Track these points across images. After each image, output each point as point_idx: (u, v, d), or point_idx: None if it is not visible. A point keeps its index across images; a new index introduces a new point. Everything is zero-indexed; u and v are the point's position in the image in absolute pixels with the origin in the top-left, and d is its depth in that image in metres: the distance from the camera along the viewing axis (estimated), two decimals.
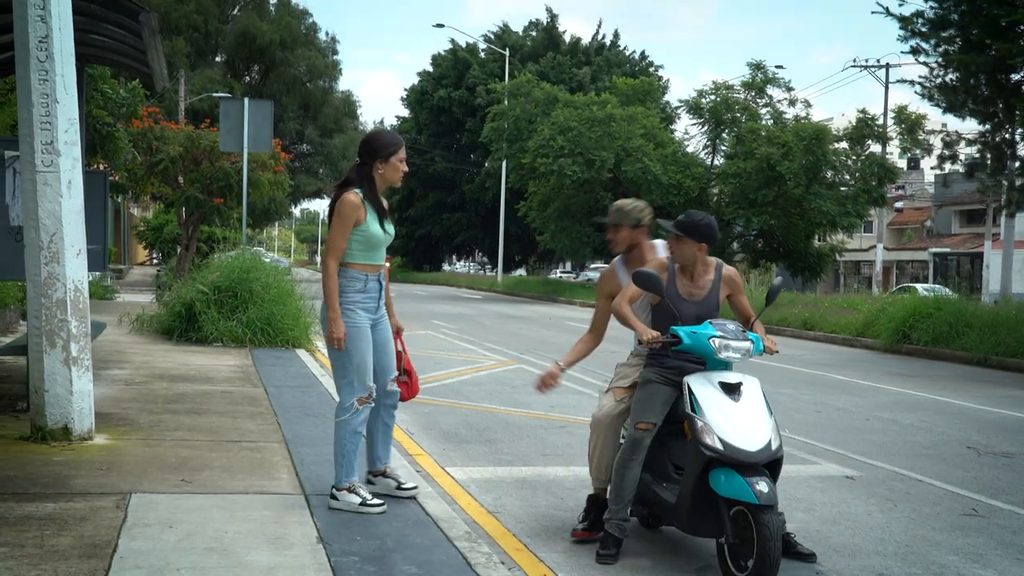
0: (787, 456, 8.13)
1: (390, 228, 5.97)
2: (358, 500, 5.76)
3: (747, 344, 5.37)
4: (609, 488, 5.62)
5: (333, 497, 5.82)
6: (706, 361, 5.40)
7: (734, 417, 5.12)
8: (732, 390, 5.24)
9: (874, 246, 48.80)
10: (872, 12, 21.03)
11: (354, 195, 5.75)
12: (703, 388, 5.26)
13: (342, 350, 5.72)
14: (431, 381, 12.16)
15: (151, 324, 15.36)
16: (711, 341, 5.31)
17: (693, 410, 5.21)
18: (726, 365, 5.40)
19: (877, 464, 8.29)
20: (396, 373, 6.12)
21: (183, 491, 5.92)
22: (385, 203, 5.97)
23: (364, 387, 5.80)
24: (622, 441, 5.81)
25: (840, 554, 5.78)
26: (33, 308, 7.02)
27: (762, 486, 4.93)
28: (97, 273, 16.79)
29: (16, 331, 13.89)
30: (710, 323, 5.42)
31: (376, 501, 5.79)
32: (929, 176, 62.02)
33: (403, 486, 6.11)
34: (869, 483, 7.60)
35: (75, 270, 7.07)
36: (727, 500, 5.04)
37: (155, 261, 47.40)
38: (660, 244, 6.08)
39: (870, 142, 36.71)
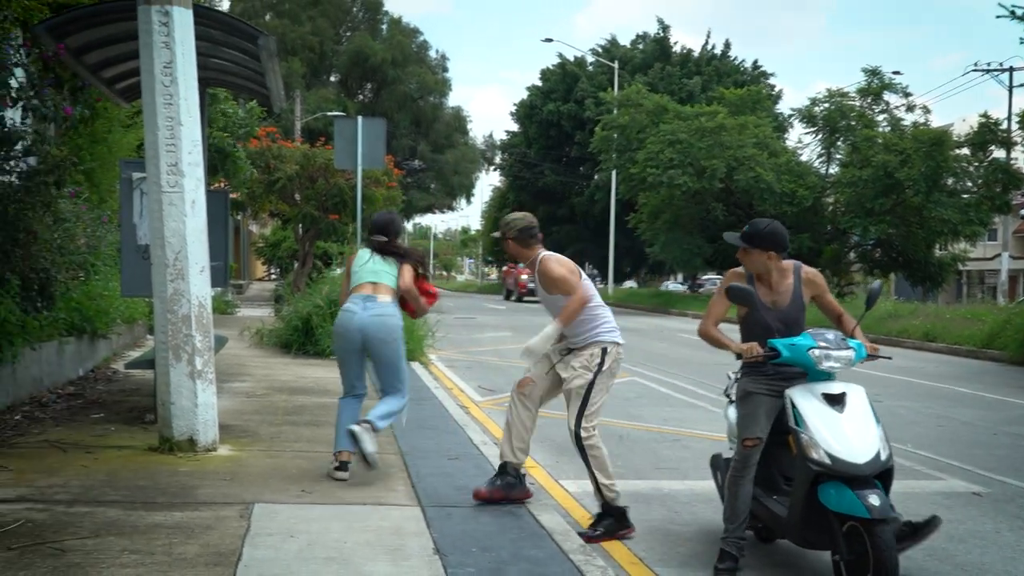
0: (910, 471, 7.96)
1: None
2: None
3: (848, 353, 5.24)
4: (723, 507, 5.55)
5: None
6: (807, 372, 5.30)
7: (840, 429, 4.99)
8: (836, 401, 5.11)
9: (999, 255, 47.12)
10: (997, 16, 20.37)
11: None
12: (806, 401, 5.15)
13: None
14: None
15: (270, 338, 15.74)
16: (810, 353, 5.20)
17: (797, 424, 5.11)
18: (828, 376, 5.27)
19: (1006, 480, 8.00)
20: None
21: (303, 501, 6.05)
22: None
23: None
24: (729, 457, 5.78)
25: (968, 573, 5.61)
26: (160, 323, 7.27)
27: (874, 499, 4.80)
28: (219, 289, 17.28)
29: (144, 345, 14.38)
30: (808, 333, 5.31)
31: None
32: None
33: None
34: (997, 500, 7.34)
35: (199, 286, 7.30)
36: (839, 515, 4.93)
37: (273, 276, 48.55)
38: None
39: (993, 147, 35.50)
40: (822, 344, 5.22)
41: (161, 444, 7.24)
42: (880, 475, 4.99)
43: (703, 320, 5.72)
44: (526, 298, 43.65)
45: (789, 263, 5.64)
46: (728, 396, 6.13)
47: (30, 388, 9.15)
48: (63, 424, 8.25)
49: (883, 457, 4.97)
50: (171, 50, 7.19)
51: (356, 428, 6.54)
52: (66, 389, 10.02)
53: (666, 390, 13.16)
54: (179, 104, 7.22)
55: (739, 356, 5.44)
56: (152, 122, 7.22)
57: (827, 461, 4.92)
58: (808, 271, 5.68)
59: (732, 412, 5.97)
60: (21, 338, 8.58)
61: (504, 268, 54.88)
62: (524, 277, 43.91)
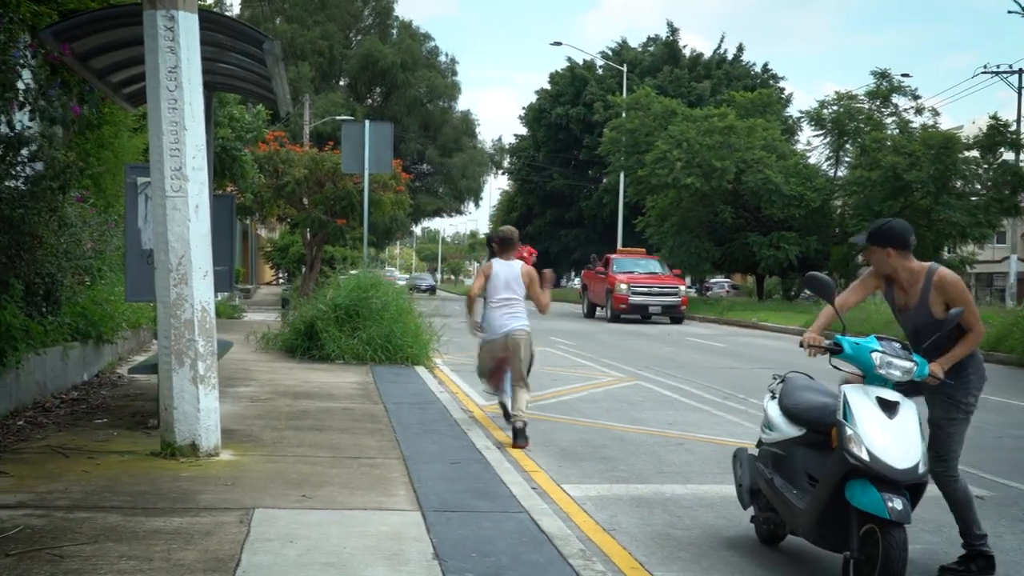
0: None
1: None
2: None
3: (909, 364, 5.20)
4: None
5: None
6: (865, 375, 5.27)
7: (886, 432, 4.99)
8: (889, 407, 5.10)
9: (1007, 257, 47.00)
10: (1009, 12, 20.39)
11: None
12: (859, 398, 5.13)
13: None
14: (548, 398, 12.17)
15: (275, 342, 15.76)
16: (872, 355, 5.18)
17: (844, 417, 5.09)
18: (886, 382, 5.23)
19: (1009, 484, 7.98)
20: None
21: (303, 507, 6.06)
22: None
23: None
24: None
25: None
26: (163, 328, 7.28)
27: (896, 503, 4.80)
28: (225, 293, 17.31)
29: (149, 350, 14.40)
30: (876, 337, 5.30)
31: None
32: None
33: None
34: (1000, 503, 7.32)
35: (202, 291, 7.31)
36: (859, 514, 4.93)
37: (281, 281, 48.66)
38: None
39: (1003, 149, 35.45)
40: (883, 349, 5.20)
41: (163, 449, 7.24)
42: (912, 488, 5.00)
43: (842, 295, 5.75)
44: (624, 316, 31.40)
45: (923, 264, 5.56)
46: (772, 392, 6.17)
47: (34, 393, 9.17)
48: (66, 429, 8.27)
49: (920, 471, 4.96)
50: (176, 55, 7.20)
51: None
52: (70, 394, 10.04)
53: (670, 393, 13.15)
54: (184, 109, 7.24)
55: (802, 344, 5.46)
56: (157, 127, 7.24)
57: (865, 458, 4.90)
58: (941, 276, 5.49)
59: (772, 407, 5.99)
60: (25, 343, 8.59)
61: (584, 270, 37.25)
62: (624, 287, 31.06)
